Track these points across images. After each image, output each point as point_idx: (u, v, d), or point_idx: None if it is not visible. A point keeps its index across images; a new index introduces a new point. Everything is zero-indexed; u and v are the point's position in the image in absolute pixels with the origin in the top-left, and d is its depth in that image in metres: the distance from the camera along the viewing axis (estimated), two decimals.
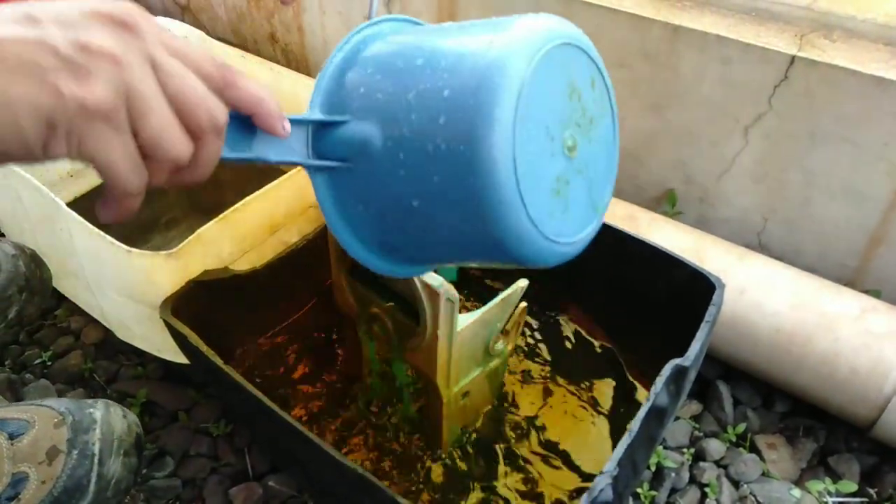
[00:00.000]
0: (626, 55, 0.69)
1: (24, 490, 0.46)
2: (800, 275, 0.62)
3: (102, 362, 0.70)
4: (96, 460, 0.48)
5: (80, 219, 0.55)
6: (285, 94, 0.78)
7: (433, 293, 0.45)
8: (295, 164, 0.34)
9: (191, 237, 0.55)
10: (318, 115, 0.34)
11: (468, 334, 0.50)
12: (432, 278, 0.45)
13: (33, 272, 0.64)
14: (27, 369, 0.69)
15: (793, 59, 0.59)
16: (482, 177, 0.30)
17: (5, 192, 0.63)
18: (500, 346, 0.54)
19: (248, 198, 0.59)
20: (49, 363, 0.69)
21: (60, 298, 0.76)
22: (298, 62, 1.02)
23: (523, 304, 0.54)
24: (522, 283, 0.52)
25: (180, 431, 0.63)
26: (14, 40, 0.23)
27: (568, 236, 0.35)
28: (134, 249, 0.53)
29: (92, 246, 0.56)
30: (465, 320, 0.49)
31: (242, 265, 0.62)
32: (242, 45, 1.06)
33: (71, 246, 0.59)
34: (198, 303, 0.57)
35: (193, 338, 0.51)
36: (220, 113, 0.27)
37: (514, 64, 0.31)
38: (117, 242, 0.53)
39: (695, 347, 0.51)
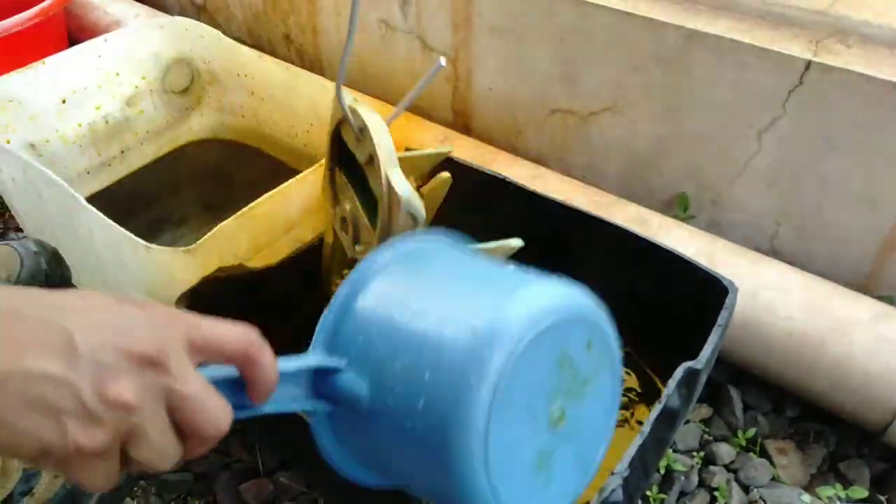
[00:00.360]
0: (640, 59, 0.69)
1: (37, 484, 0.47)
2: (813, 279, 0.61)
3: None
4: None
5: (100, 214, 0.56)
6: (301, 95, 0.79)
7: (395, 200, 0.42)
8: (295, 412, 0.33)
9: (209, 234, 0.56)
10: (321, 359, 0.33)
11: None
12: (401, 185, 0.43)
13: (54, 270, 0.65)
14: None
15: (808, 64, 0.60)
16: (452, 472, 0.29)
17: (26, 190, 0.64)
18: None
19: (264, 195, 0.59)
20: None
21: None
22: (312, 62, 1.03)
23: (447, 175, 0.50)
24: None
25: None
26: (45, 377, 0.24)
27: None
28: (153, 245, 0.54)
29: (112, 241, 0.57)
30: None
31: (258, 263, 0.63)
32: (257, 44, 1.06)
33: (91, 241, 0.59)
34: (213, 299, 0.57)
35: None
36: (226, 423, 0.27)
37: (494, 362, 0.28)
38: (137, 238, 0.54)
39: (707, 351, 0.51)
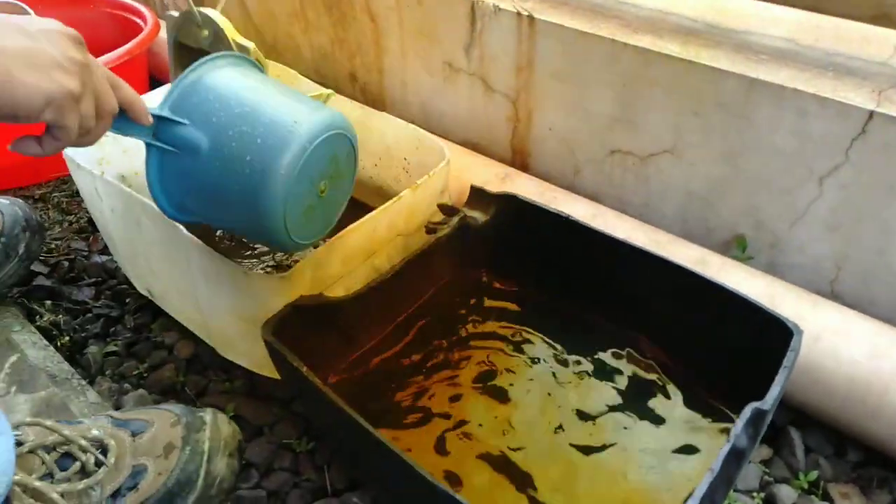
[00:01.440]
0: (700, 104, 0.71)
1: (142, 481, 0.51)
2: (876, 324, 0.62)
3: (193, 376, 0.74)
4: (205, 457, 0.52)
5: (200, 242, 0.60)
6: (373, 130, 0.84)
7: (245, 52, 0.63)
8: (142, 140, 0.50)
9: (303, 260, 0.60)
10: (167, 113, 0.50)
11: None
12: (245, 41, 0.65)
13: (29, 215, 0.80)
14: (125, 379, 0.74)
15: (871, 114, 0.61)
16: (263, 208, 0.50)
17: (125, 219, 0.69)
18: None
19: (354, 224, 0.63)
20: (145, 375, 0.75)
21: (155, 314, 0.81)
22: (375, 100, 1.08)
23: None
24: (329, 91, 0.77)
25: (265, 445, 0.67)
26: (23, 47, 0.39)
27: (305, 239, 0.56)
28: (251, 272, 0.58)
29: (211, 268, 0.61)
30: None
31: (338, 288, 0.67)
32: (323, 82, 1.12)
33: (188, 267, 0.64)
34: (295, 325, 0.61)
35: (294, 359, 0.55)
36: (114, 106, 0.45)
37: (303, 143, 0.50)
38: (236, 265, 0.58)
39: (774, 392, 0.52)
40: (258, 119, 0.50)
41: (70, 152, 0.73)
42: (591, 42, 0.76)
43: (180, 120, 0.50)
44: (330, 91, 0.73)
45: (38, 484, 0.48)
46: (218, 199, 0.52)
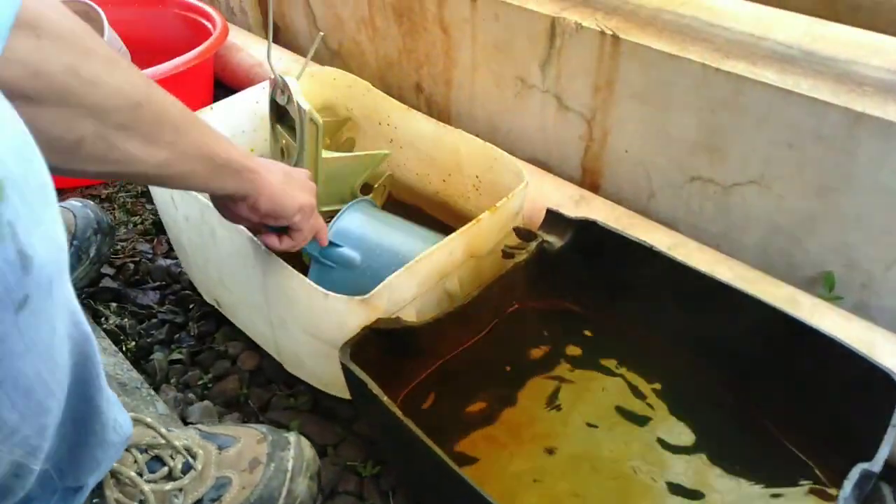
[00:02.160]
0: (796, 136, 0.68)
1: (225, 493, 0.50)
2: None
3: (256, 389, 0.74)
4: (289, 476, 0.52)
5: (280, 260, 0.59)
6: (445, 146, 0.82)
7: (302, 112, 0.70)
8: (312, 256, 0.68)
9: (382, 284, 0.58)
10: (332, 238, 0.69)
11: (331, 168, 0.77)
12: (304, 103, 0.71)
13: (101, 217, 0.81)
14: (190, 389, 0.74)
15: None
16: None
17: (199, 229, 0.69)
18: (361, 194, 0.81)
19: (432, 248, 0.62)
20: (210, 385, 0.74)
21: (219, 323, 0.81)
22: (440, 112, 1.06)
23: (390, 173, 0.87)
24: (386, 151, 0.84)
25: (330, 467, 0.66)
26: (287, 173, 0.58)
27: None
28: (331, 293, 0.57)
29: (287, 286, 0.60)
30: (328, 154, 0.76)
31: (409, 309, 0.65)
32: (387, 91, 1.11)
33: (261, 282, 0.63)
34: (370, 348, 0.59)
35: (372, 386, 0.54)
36: (322, 225, 0.65)
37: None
38: (315, 285, 0.57)
39: (883, 453, 0.49)
40: (399, 240, 0.71)
41: None
42: (678, 65, 0.73)
43: (340, 244, 0.69)
44: (386, 152, 0.84)
45: (132, 474, 0.48)
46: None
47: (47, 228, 0.31)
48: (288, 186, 0.55)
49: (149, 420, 0.51)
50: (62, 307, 0.35)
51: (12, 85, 0.32)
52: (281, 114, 0.77)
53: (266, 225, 0.58)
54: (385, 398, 0.53)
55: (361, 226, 0.71)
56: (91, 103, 0.36)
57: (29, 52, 0.33)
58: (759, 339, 0.62)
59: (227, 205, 0.53)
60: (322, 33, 0.74)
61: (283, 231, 0.59)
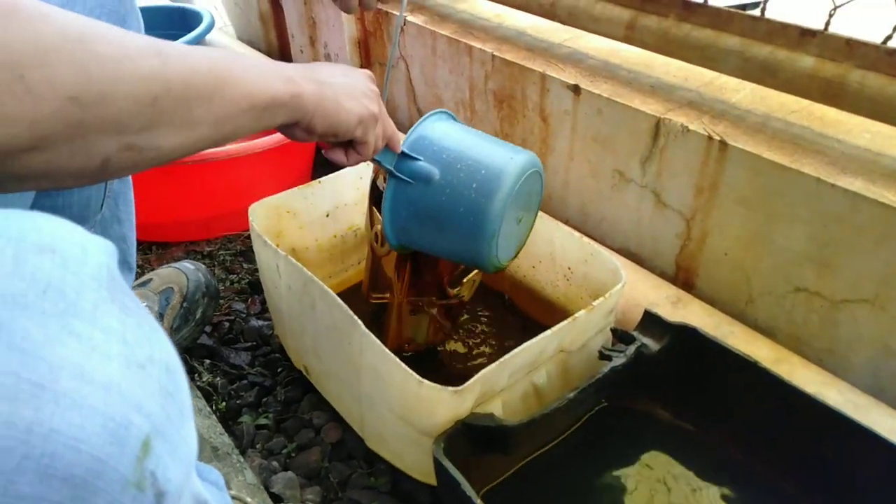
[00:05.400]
0: None
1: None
2: None
3: (337, 464, 0.74)
4: None
5: (378, 343, 0.60)
6: (539, 234, 0.83)
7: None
8: (386, 169, 0.63)
9: (475, 377, 0.58)
10: (407, 150, 0.63)
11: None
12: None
13: (210, 281, 0.84)
14: (273, 456, 0.75)
15: None
16: (482, 226, 0.61)
17: (300, 299, 0.71)
18: (454, 291, 0.77)
19: (526, 344, 0.62)
20: (293, 455, 0.75)
21: (305, 390, 0.82)
22: None
23: (477, 271, 0.78)
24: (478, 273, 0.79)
25: None
26: (344, 83, 0.52)
27: (504, 259, 0.66)
28: (425, 381, 0.57)
29: (382, 367, 0.61)
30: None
31: (496, 400, 0.65)
32: None
33: (357, 358, 0.64)
34: (462, 441, 0.59)
35: (466, 487, 0.53)
36: (393, 130, 0.60)
37: (518, 173, 0.61)
38: (411, 371, 0.58)
39: None
40: (481, 154, 0.62)
41: (258, 229, 0.76)
42: (789, 176, 0.72)
43: (417, 156, 0.62)
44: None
45: None
46: (440, 220, 0.63)
47: (182, 452, 0.29)
48: (343, 97, 0.49)
49: (249, 500, 0.51)
50: (189, 498, 0.33)
51: (9, 148, 0.28)
52: (378, 198, 0.74)
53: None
54: (479, 501, 0.52)
55: (441, 137, 0.64)
56: (103, 123, 0.31)
57: (14, 103, 0.28)
58: (873, 477, 0.58)
59: (282, 131, 0.48)
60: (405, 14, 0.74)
61: (348, 145, 0.55)
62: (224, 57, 0.39)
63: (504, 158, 0.61)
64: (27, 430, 0.23)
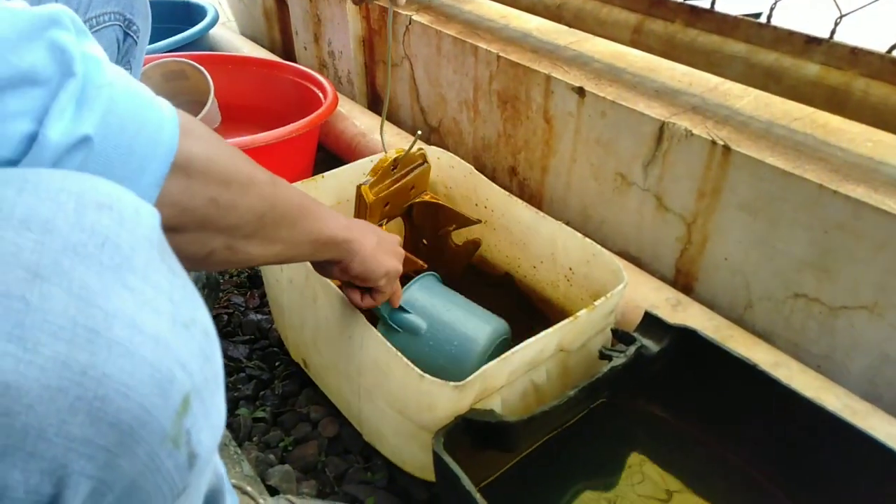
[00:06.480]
0: None
1: None
2: None
3: (334, 458, 0.74)
4: None
5: (378, 335, 0.60)
6: (541, 235, 0.83)
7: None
8: (382, 316, 0.71)
9: (476, 373, 0.58)
10: (403, 303, 0.71)
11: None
12: None
13: (210, 272, 0.83)
14: (270, 449, 0.75)
15: None
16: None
17: (302, 291, 0.71)
18: None
19: (529, 341, 0.62)
20: (290, 448, 0.75)
21: (303, 384, 0.82)
22: (533, 196, 1.08)
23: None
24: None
25: None
26: (381, 239, 0.60)
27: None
28: (426, 375, 0.57)
29: (383, 361, 0.61)
30: None
31: (496, 397, 0.65)
32: (481, 170, 1.14)
33: (358, 353, 0.64)
34: (461, 436, 0.59)
35: (466, 482, 0.53)
36: (399, 288, 0.68)
37: (485, 345, 0.72)
38: (412, 365, 0.58)
39: None
40: (459, 321, 0.73)
41: None
42: (792, 182, 0.73)
43: (409, 310, 0.72)
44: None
45: None
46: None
47: (214, 419, 0.30)
48: (379, 251, 0.58)
49: (249, 489, 0.51)
50: (210, 472, 0.35)
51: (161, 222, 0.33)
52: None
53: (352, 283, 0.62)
54: (478, 495, 0.52)
55: (430, 298, 0.74)
56: (225, 225, 0.39)
57: (179, 193, 0.34)
58: (871, 481, 0.58)
59: (322, 265, 0.57)
60: (420, 132, 0.79)
61: (366, 290, 0.62)
62: (307, 195, 0.48)
63: (480, 324, 0.73)
64: (82, 372, 0.24)
